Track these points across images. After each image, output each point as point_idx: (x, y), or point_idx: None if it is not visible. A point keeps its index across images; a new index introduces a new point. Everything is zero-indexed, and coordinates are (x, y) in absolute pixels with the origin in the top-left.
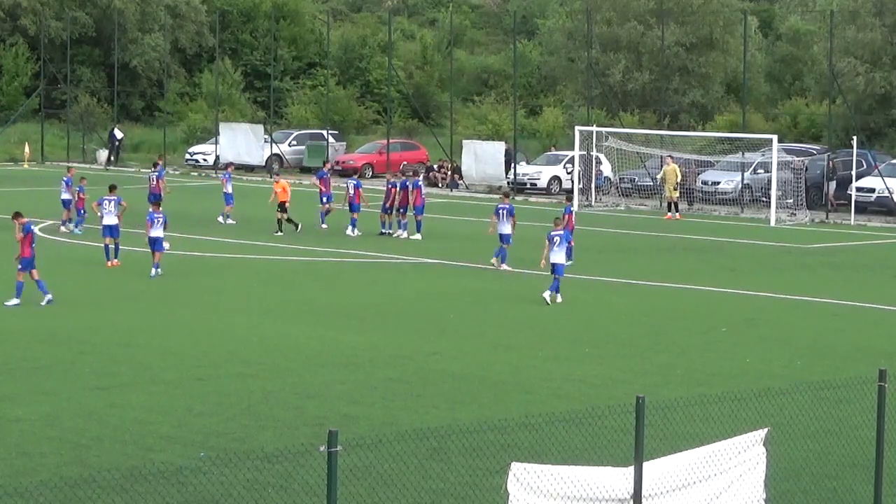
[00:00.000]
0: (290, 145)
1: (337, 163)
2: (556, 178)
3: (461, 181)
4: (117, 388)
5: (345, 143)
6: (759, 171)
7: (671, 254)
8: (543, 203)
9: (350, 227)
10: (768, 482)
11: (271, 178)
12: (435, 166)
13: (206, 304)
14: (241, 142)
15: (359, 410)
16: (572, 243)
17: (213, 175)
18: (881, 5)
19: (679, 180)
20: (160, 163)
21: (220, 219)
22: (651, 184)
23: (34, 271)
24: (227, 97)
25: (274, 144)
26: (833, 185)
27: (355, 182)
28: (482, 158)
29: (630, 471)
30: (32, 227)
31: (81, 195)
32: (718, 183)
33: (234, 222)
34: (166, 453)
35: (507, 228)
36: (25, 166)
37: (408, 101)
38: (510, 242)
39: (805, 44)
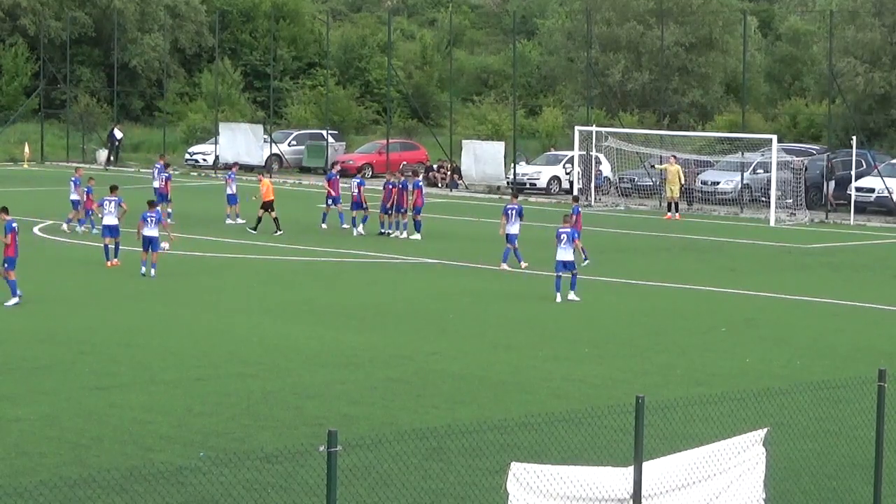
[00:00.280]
0: (289, 145)
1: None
2: (556, 178)
3: (461, 181)
4: (117, 388)
5: (344, 143)
6: (758, 171)
7: (671, 254)
8: (543, 203)
9: (355, 226)
10: (768, 482)
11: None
12: (434, 166)
13: (206, 304)
14: (240, 142)
15: (358, 410)
16: (577, 242)
17: (213, 175)
18: (881, 5)
19: (683, 182)
20: (161, 162)
21: (229, 220)
22: (651, 184)
23: (11, 272)
24: (227, 97)
25: (273, 144)
26: (832, 184)
27: (359, 181)
28: (482, 158)
29: (630, 471)
30: (15, 224)
31: (90, 195)
32: (718, 183)
33: (244, 221)
34: (166, 453)
35: (515, 228)
36: (25, 166)
37: (407, 101)
38: (515, 243)
39: (805, 44)
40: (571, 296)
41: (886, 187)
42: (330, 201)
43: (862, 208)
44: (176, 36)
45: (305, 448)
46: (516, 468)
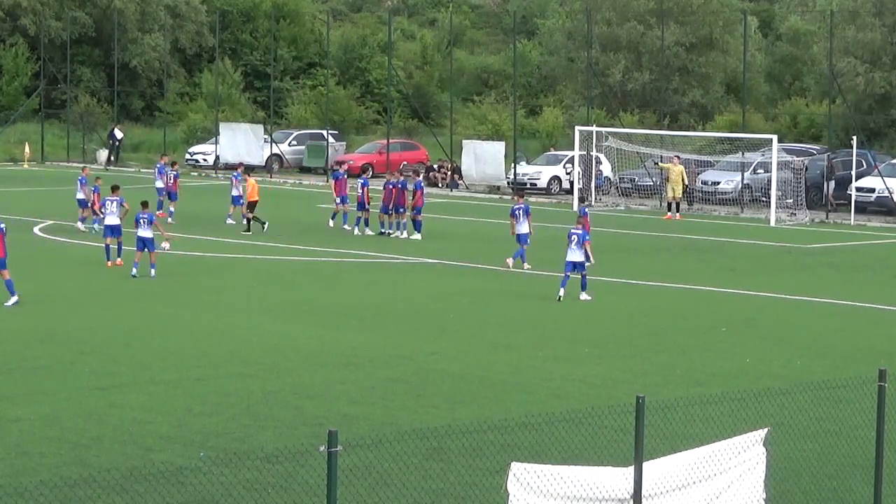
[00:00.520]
0: (290, 145)
1: (336, 163)
2: (556, 179)
3: (461, 181)
4: (117, 388)
5: (345, 143)
6: (758, 171)
7: (671, 254)
8: (543, 203)
9: (358, 225)
10: (768, 482)
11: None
12: (435, 166)
13: (206, 304)
14: (241, 142)
15: (359, 410)
16: (588, 244)
17: (214, 175)
18: (881, 5)
19: (687, 183)
20: (163, 162)
21: (230, 220)
22: (651, 184)
23: (4, 271)
24: (227, 97)
25: (274, 144)
26: (832, 184)
27: (362, 181)
28: (482, 158)
29: (630, 471)
30: (2, 225)
31: (98, 195)
32: (718, 183)
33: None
34: (166, 453)
35: (525, 228)
36: (25, 166)
37: (408, 101)
38: (528, 242)
39: (805, 44)
40: (583, 296)
41: (887, 187)
42: (338, 200)
43: (862, 208)
44: (176, 36)
45: (306, 448)
46: (516, 468)
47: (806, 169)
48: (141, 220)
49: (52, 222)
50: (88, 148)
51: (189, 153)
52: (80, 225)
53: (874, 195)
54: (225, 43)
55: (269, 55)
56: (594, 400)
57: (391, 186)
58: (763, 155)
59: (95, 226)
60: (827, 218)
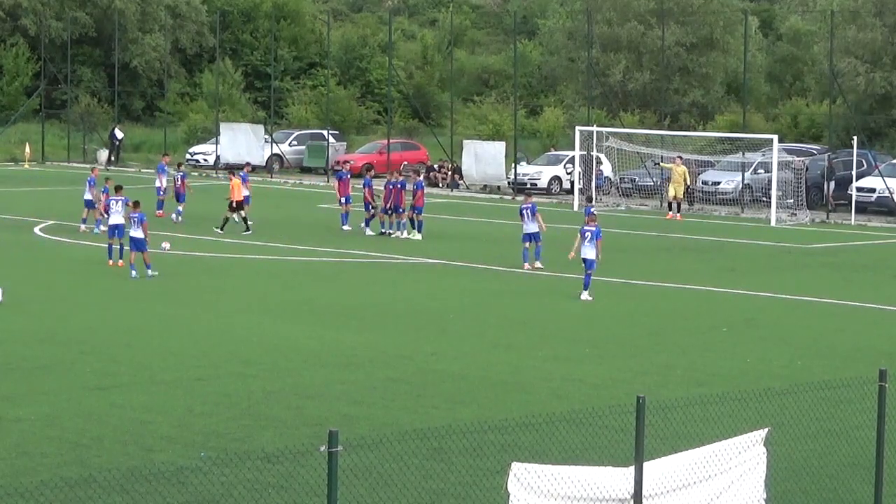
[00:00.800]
0: (290, 145)
1: (337, 163)
2: (557, 179)
3: (461, 181)
4: (117, 388)
5: (345, 143)
6: (759, 171)
7: (671, 254)
8: (544, 203)
9: (370, 225)
10: (768, 482)
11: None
12: (435, 166)
13: (206, 304)
14: (241, 142)
15: (359, 410)
16: (599, 242)
17: (214, 175)
18: (881, 5)
19: (689, 184)
20: (164, 161)
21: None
22: (652, 184)
23: None
24: (228, 97)
25: (274, 144)
26: (833, 184)
27: (365, 180)
28: (482, 158)
29: (630, 471)
30: None
31: (107, 195)
32: (719, 183)
33: (252, 223)
34: (166, 453)
35: (533, 227)
36: (26, 166)
37: (408, 101)
38: (540, 239)
39: (805, 44)
40: (584, 295)
41: (887, 187)
42: (343, 200)
43: (863, 208)
44: (177, 36)
45: (306, 448)
46: (517, 468)
47: (806, 169)
48: (132, 220)
49: (52, 222)
50: (89, 148)
51: (189, 153)
52: (82, 226)
53: (874, 195)
54: (225, 43)
55: (270, 55)
56: (594, 400)
57: (391, 187)
58: (763, 155)
59: (98, 228)
60: (827, 218)
